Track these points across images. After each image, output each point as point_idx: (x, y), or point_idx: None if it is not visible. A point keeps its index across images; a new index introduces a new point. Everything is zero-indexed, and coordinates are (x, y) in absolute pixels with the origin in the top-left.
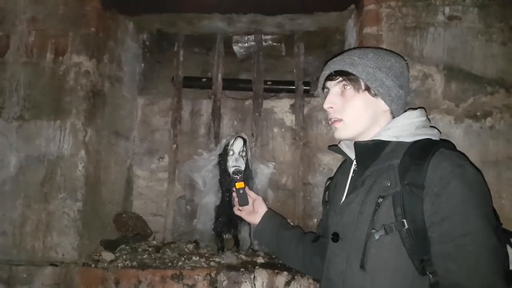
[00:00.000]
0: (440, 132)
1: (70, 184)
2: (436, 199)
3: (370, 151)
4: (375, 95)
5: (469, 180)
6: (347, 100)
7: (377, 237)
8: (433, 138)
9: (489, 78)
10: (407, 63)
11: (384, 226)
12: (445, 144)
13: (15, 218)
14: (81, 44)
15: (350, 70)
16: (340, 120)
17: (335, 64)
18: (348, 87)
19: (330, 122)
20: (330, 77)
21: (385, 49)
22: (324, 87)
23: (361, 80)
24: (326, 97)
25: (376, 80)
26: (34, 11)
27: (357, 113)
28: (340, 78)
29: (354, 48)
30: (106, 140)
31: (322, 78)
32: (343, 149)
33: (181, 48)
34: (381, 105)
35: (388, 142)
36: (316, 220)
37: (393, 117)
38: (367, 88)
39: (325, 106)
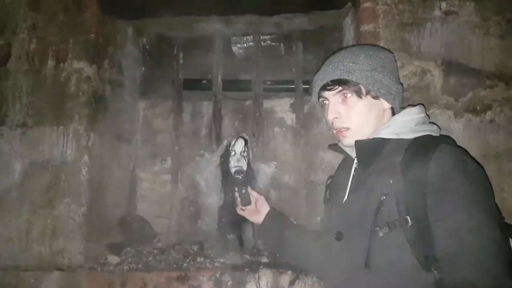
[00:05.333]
0: (440, 128)
1: (74, 189)
2: (439, 195)
3: (371, 149)
4: (376, 97)
5: (471, 175)
6: (351, 108)
7: (381, 234)
8: (433, 134)
9: (487, 71)
10: (394, 55)
11: (388, 223)
12: (446, 140)
13: (21, 224)
14: (81, 50)
15: (349, 78)
16: (347, 128)
17: (329, 74)
18: (350, 95)
19: (335, 132)
20: (326, 87)
21: (371, 45)
22: (320, 96)
23: (361, 86)
24: (323, 106)
25: (376, 83)
26: (34, 19)
27: (363, 119)
28: (340, 87)
29: (340, 51)
30: (108, 144)
31: (316, 88)
32: (343, 148)
33: (181, 51)
34: (383, 105)
35: (389, 139)
36: (319, 218)
37: (393, 113)
38: (368, 92)
39: (330, 117)
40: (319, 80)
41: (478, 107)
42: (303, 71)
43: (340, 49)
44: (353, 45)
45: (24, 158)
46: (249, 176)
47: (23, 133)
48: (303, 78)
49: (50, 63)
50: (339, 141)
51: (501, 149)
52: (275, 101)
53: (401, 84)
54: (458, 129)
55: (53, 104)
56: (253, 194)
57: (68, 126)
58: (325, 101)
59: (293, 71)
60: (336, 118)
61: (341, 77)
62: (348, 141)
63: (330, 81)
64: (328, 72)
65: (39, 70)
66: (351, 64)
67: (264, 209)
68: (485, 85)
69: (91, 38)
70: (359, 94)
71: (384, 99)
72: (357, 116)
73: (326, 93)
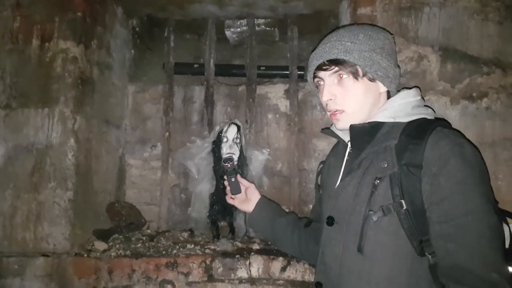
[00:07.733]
0: (434, 111)
1: (60, 173)
2: (434, 178)
3: (366, 133)
4: (373, 79)
5: (468, 158)
6: (347, 90)
7: (375, 219)
8: (428, 117)
9: (485, 58)
10: (393, 37)
11: (382, 207)
12: (441, 123)
13: (5, 209)
14: (68, 29)
15: (346, 58)
16: (342, 111)
17: (326, 53)
18: (346, 76)
19: (329, 114)
20: (322, 67)
21: (370, 25)
22: (314, 76)
23: (358, 67)
24: (318, 87)
25: (373, 64)
26: None
27: (359, 102)
28: (336, 68)
29: (338, 29)
30: (96, 128)
31: (312, 68)
32: (336, 132)
33: (172, 34)
34: (380, 88)
35: (384, 123)
36: (311, 205)
37: (389, 97)
38: (365, 74)
39: (324, 99)
40: (315, 59)
41: (474, 94)
42: (297, 57)
43: (338, 27)
44: (351, 24)
45: (8, 141)
46: (241, 164)
47: (7, 115)
48: (297, 64)
49: (35, 42)
50: (331, 125)
51: (496, 137)
52: (269, 87)
53: (399, 67)
54: (454, 116)
55: (38, 85)
56: (243, 183)
57: (53, 108)
58: (320, 82)
59: (288, 57)
60: (331, 99)
61: (338, 57)
62: (342, 125)
63: (327, 60)
64: (325, 51)
65: (23, 50)
66: (349, 44)
67: (255, 197)
68: (482, 72)
69: (78, 17)
70: (355, 75)
71: (381, 82)
72: (353, 99)
73: (322, 73)
